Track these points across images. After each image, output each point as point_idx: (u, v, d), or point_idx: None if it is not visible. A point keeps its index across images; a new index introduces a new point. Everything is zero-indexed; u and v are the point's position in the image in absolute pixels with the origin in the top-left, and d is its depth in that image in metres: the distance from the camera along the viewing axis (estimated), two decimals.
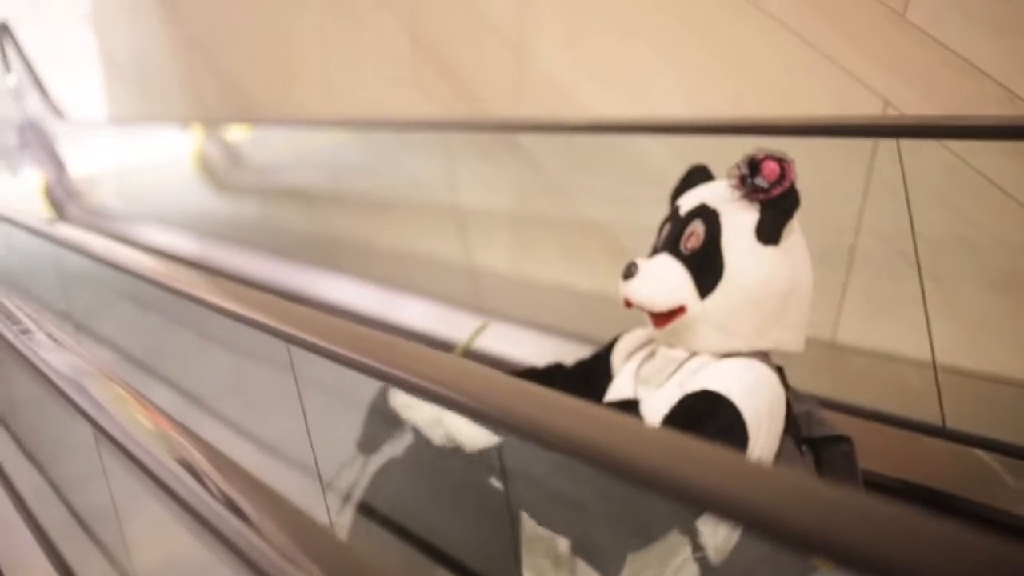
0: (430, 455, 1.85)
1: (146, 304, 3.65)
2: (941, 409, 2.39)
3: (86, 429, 1.84)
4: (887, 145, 2.55)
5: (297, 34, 5.97)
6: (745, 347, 1.80)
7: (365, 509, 1.94)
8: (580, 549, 1.75)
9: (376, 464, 1.95)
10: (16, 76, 11.34)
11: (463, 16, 4.30)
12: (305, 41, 5.86)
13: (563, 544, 1.74)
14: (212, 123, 7.13)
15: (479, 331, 2.55)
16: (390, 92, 4.99)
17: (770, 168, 1.75)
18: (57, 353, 2.10)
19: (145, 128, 8.62)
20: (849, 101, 2.77)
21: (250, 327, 1.66)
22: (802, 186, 1.76)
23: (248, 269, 5.63)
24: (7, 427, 3.66)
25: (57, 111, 10.71)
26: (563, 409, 1.04)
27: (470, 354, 2.56)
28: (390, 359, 1.24)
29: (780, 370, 1.84)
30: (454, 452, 1.78)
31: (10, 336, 2.34)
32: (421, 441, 1.85)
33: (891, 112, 2.69)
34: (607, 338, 2.13)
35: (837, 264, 2.87)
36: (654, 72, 3.46)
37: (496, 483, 1.81)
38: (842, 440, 1.84)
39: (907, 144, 2.56)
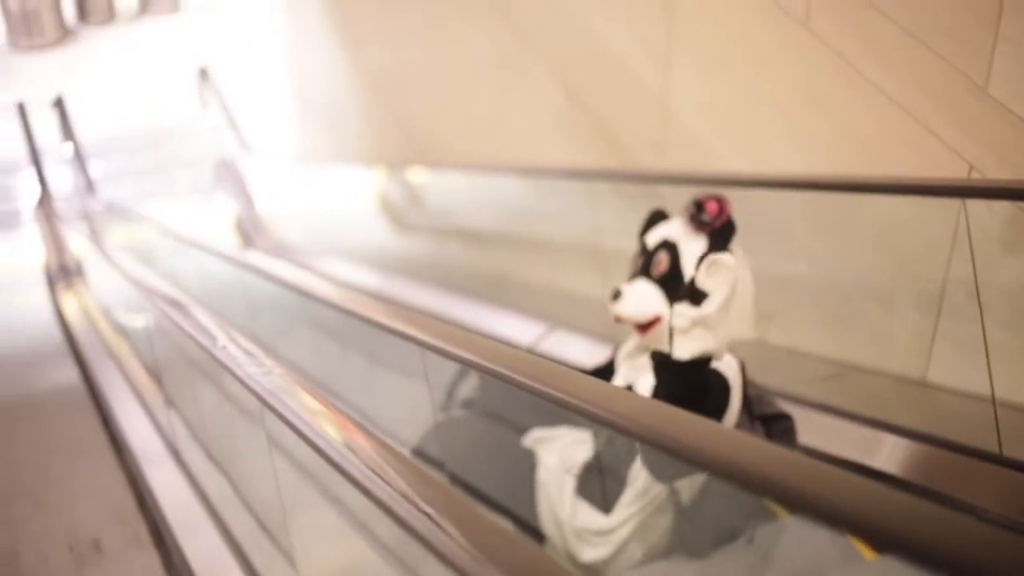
0: (479, 422, 2.52)
1: (319, 327, 4.31)
2: (999, 439, 2.83)
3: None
4: (970, 204, 3.01)
5: (472, 86, 6.68)
6: (710, 341, 2.37)
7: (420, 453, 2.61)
8: (582, 491, 2.36)
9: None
10: (213, 116, 12.40)
11: (616, 78, 4.90)
12: (479, 93, 6.55)
13: (568, 488, 2.35)
14: (393, 165, 7.88)
15: (548, 335, 3.16)
16: (549, 142, 5.62)
17: (711, 206, 2.40)
18: (259, 370, 2.49)
19: (330, 167, 9.43)
20: (938, 164, 3.23)
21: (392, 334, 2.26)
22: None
23: (419, 302, 6.27)
24: (198, 439, 4.34)
25: (249, 149, 11.68)
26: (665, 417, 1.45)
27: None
28: (492, 358, 1.80)
29: (741, 362, 2.42)
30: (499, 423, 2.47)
31: (217, 353, 2.84)
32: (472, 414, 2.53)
33: (975, 175, 3.13)
34: None
35: (929, 311, 3.31)
36: (776, 134, 3.97)
37: (525, 443, 2.47)
38: (785, 417, 2.46)
39: (987, 204, 3.02)
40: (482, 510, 1.48)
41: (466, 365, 1.94)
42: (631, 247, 4.49)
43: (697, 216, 2.44)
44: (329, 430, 1.92)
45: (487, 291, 5.87)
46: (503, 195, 6.06)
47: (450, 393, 2.71)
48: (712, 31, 4.26)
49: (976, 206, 3.01)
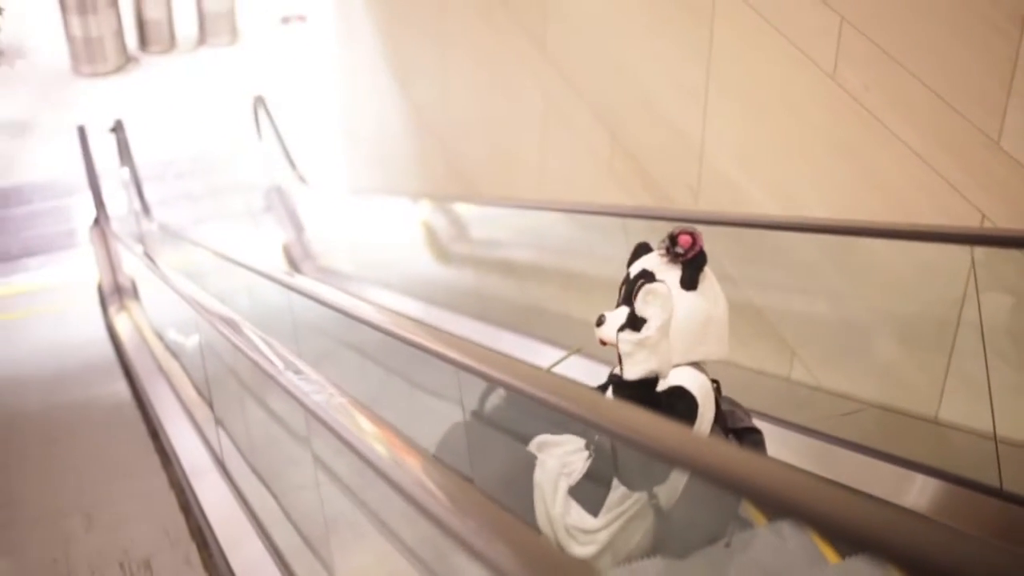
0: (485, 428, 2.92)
1: (358, 348, 4.52)
2: (999, 474, 3.01)
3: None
4: (981, 252, 3.21)
5: (520, 128, 6.94)
6: (682, 360, 2.65)
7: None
8: (574, 492, 2.72)
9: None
10: (267, 144, 12.72)
11: (657, 124, 5.14)
12: (527, 135, 6.81)
13: (563, 488, 2.61)
14: (438, 199, 8.13)
15: (567, 356, 3.40)
16: (590, 181, 5.86)
17: (684, 240, 2.65)
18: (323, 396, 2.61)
19: (378, 199, 9.70)
20: (955, 213, 3.42)
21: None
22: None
23: (459, 331, 6.48)
24: (245, 457, 4.52)
25: (301, 178, 11.97)
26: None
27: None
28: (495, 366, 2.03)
29: (716, 382, 2.70)
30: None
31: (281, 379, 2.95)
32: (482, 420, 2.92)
33: (987, 224, 3.33)
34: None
35: (941, 351, 3.50)
36: (804, 179, 4.19)
37: (527, 447, 2.85)
38: (755, 431, 2.78)
39: (997, 252, 3.21)
40: (525, 526, 1.60)
41: (485, 379, 2.19)
42: None
43: (672, 248, 2.69)
44: (381, 448, 2.09)
45: (523, 323, 6.07)
46: (545, 231, 6.29)
47: (480, 405, 2.98)
48: (747, 81, 4.49)
49: (990, 253, 3.21)
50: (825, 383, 4.09)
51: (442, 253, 8.04)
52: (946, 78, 3.43)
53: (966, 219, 3.40)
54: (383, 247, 9.12)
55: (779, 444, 3.63)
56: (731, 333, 4.58)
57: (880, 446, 3.44)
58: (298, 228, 11.71)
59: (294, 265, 10.88)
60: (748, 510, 2.88)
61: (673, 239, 2.69)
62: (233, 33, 16.66)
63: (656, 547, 2.75)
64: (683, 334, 2.64)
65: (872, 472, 3.35)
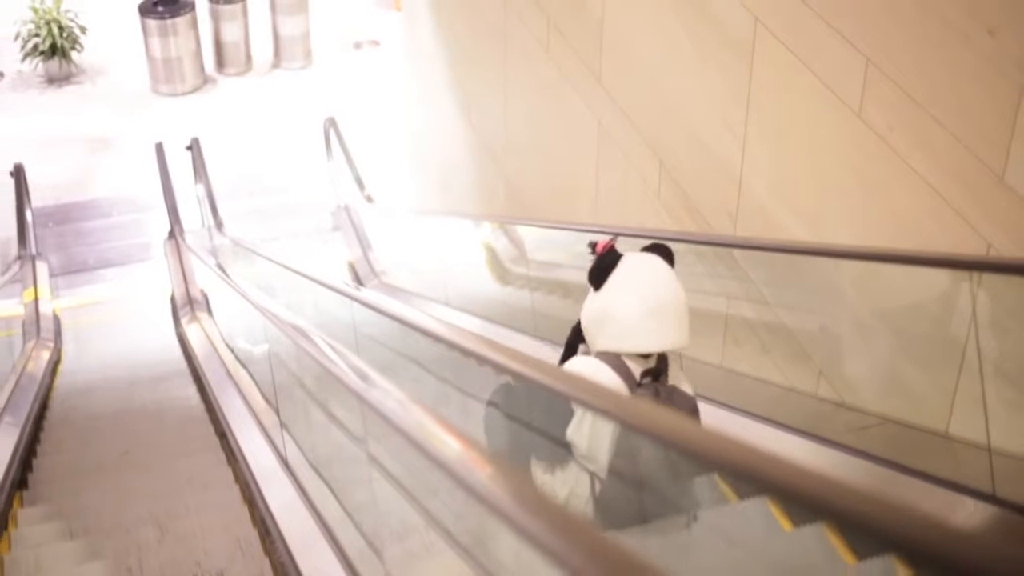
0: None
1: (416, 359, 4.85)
2: (992, 481, 3.32)
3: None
4: (988, 279, 3.53)
5: (572, 154, 7.32)
6: (591, 350, 3.15)
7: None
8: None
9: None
10: (336, 164, 13.16)
11: (701, 155, 5.51)
12: (578, 160, 7.19)
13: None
14: (498, 221, 8.51)
15: None
16: (638, 207, 6.22)
17: (596, 247, 3.12)
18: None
19: (442, 219, 10.09)
20: (965, 243, 3.74)
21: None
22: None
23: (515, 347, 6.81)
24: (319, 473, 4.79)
25: (369, 198, 12.40)
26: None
27: None
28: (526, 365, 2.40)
29: (651, 371, 3.07)
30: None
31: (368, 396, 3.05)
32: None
33: (992, 253, 3.64)
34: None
35: (951, 372, 3.80)
36: (831, 209, 4.53)
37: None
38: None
39: (1001, 279, 3.53)
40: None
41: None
42: (702, 304, 5.04)
43: (592, 254, 3.18)
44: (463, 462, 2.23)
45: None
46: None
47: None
48: (782, 117, 4.84)
49: (996, 279, 3.53)
50: (847, 399, 4.40)
51: (502, 273, 8.39)
52: (959, 118, 3.76)
53: (975, 249, 3.71)
54: (446, 266, 9.48)
55: (809, 455, 3.96)
56: (764, 352, 4.95)
57: (893, 457, 3.76)
58: (365, 246, 12.09)
59: (360, 281, 11.23)
60: (721, 489, 3.23)
61: (592, 245, 3.18)
62: (307, 57, 17.18)
63: (602, 517, 3.08)
64: (585, 327, 3.17)
65: (883, 480, 3.67)
